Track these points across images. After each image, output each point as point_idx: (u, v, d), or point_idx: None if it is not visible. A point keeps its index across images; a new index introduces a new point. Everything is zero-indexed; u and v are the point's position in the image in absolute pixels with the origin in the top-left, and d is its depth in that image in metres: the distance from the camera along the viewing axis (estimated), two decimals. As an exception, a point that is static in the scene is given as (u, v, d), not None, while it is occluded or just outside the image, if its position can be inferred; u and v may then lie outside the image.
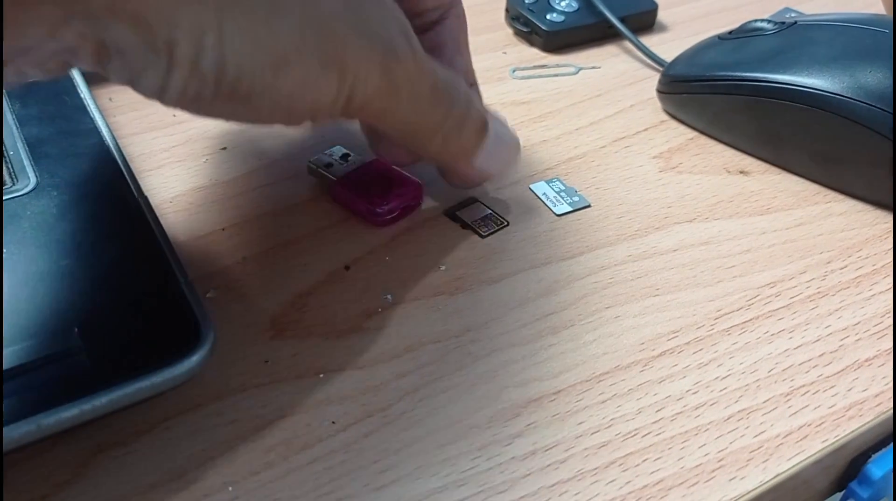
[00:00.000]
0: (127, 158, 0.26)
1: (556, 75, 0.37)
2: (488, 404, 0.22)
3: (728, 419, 0.22)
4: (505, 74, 0.37)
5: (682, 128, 0.34)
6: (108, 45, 0.16)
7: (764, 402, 0.22)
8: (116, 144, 0.27)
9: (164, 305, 0.21)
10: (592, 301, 0.25)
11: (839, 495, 0.24)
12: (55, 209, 0.24)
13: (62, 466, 0.20)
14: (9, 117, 0.27)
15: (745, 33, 0.33)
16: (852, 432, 0.22)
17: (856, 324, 0.25)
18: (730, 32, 0.34)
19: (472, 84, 0.28)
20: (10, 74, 0.16)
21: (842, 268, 0.27)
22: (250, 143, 0.31)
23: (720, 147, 0.33)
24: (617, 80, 0.37)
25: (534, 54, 0.39)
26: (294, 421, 0.21)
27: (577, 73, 0.38)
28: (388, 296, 0.25)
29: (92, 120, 0.28)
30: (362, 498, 0.20)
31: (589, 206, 0.29)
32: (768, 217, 0.29)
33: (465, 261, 0.27)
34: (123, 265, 0.22)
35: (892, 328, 0.25)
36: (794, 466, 0.21)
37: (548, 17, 0.39)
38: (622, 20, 0.39)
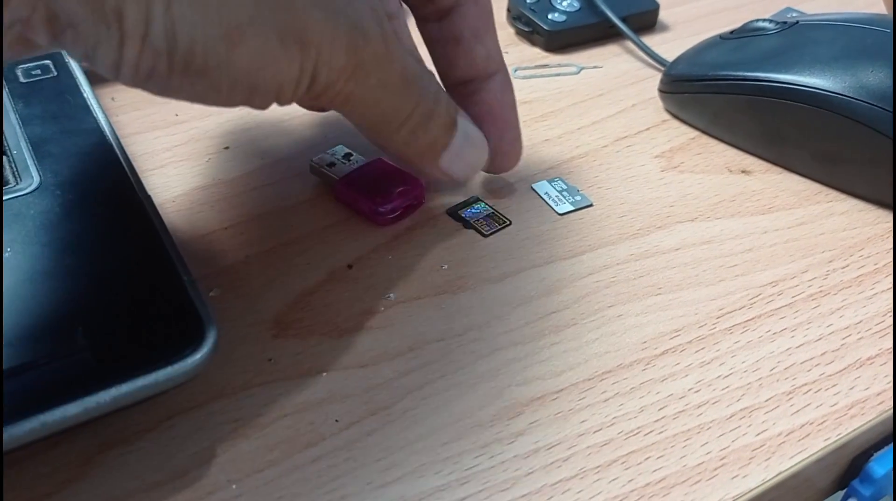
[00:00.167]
0: (130, 158, 0.26)
1: (558, 75, 0.37)
2: (491, 402, 0.22)
3: (730, 417, 0.22)
4: (507, 73, 0.37)
5: (684, 127, 0.34)
6: (59, 15, 0.16)
7: (766, 400, 0.23)
8: (119, 144, 0.27)
9: (167, 303, 0.21)
10: (595, 300, 0.25)
11: (841, 493, 0.24)
12: (58, 208, 0.24)
13: (66, 464, 0.20)
14: (12, 117, 0.27)
15: (746, 33, 0.33)
16: (854, 430, 0.22)
17: (858, 323, 0.25)
18: (731, 32, 0.34)
19: (499, 71, 0.27)
20: None
21: (843, 267, 0.27)
22: (253, 142, 0.31)
23: (722, 147, 0.33)
24: (618, 79, 0.37)
25: (535, 54, 0.39)
26: (297, 419, 0.22)
27: (578, 72, 0.38)
28: (391, 295, 0.25)
29: (95, 119, 0.28)
30: (365, 496, 0.20)
31: (591, 205, 0.29)
32: (770, 216, 0.29)
33: (467, 260, 0.27)
34: (127, 264, 0.22)
35: (893, 326, 0.25)
36: (796, 464, 0.21)
37: (549, 16, 0.39)
38: (624, 20, 0.39)
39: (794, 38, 0.31)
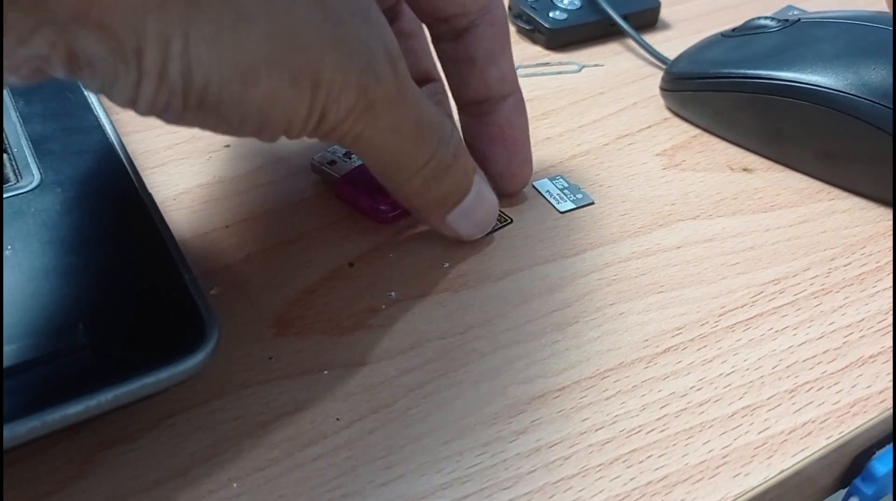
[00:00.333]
0: (131, 156, 0.26)
1: (559, 73, 0.37)
2: (493, 400, 0.22)
3: (732, 415, 0.22)
4: (508, 71, 0.37)
5: (686, 125, 0.34)
6: (78, 54, 0.16)
7: (768, 399, 0.22)
8: (120, 141, 0.27)
9: (168, 302, 0.21)
10: (596, 298, 0.25)
11: (843, 491, 0.24)
12: (59, 206, 0.24)
13: (66, 462, 0.20)
14: (12, 114, 0.27)
15: (748, 31, 0.33)
16: (856, 428, 0.22)
17: (860, 321, 0.25)
18: (733, 30, 0.34)
19: (513, 93, 0.26)
20: None
21: (845, 265, 0.27)
22: (253, 141, 0.31)
23: (723, 145, 0.33)
24: (620, 77, 0.37)
25: (537, 52, 0.39)
26: (298, 418, 0.21)
27: (579, 70, 0.38)
28: (392, 293, 0.25)
29: (95, 117, 0.28)
30: (367, 494, 0.20)
31: (592, 203, 0.29)
32: (772, 214, 0.29)
33: (468, 258, 0.27)
34: (128, 262, 0.22)
35: (895, 324, 0.25)
36: (798, 462, 0.21)
37: (550, 14, 0.39)
38: (625, 18, 0.39)
39: (795, 35, 0.31)
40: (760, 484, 0.20)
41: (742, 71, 0.31)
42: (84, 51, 0.16)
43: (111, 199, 0.24)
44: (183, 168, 0.30)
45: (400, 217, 0.28)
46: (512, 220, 0.28)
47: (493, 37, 0.25)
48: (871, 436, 0.23)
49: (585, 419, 0.22)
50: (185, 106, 0.17)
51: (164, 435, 0.21)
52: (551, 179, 0.30)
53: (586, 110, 0.34)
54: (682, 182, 0.30)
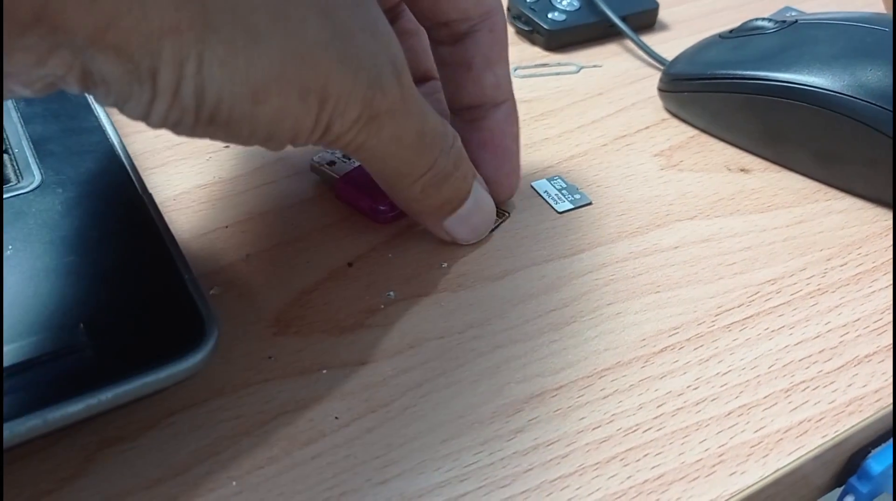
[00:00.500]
0: (131, 156, 0.26)
1: (558, 74, 0.37)
2: (491, 399, 0.22)
3: (728, 414, 0.22)
4: (506, 72, 0.37)
5: (683, 126, 0.34)
6: (94, 74, 0.16)
7: (764, 397, 0.23)
8: (120, 142, 0.27)
9: (168, 301, 0.21)
10: (594, 298, 0.25)
11: (839, 490, 0.24)
12: (60, 206, 0.24)
13: (67, 461, 0.20)
14: (13, 115, 0.27)
15: (745, 32, 0.33)
16: (852, 427, 0.22)
17: (856, 320, 0.25)
18: (731, 31, 0.34)
19: (506, 101, 0.26)
20: None
21: (842, 265, 0.27)
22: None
23: (721, 145, 0.33)
24: (618, 78, 0.37)
25: (535, 53, 0.39)
26: (297, 416, 0.22)
27: (578, 71, 0.38)
28: (391, 293, 0.25)
29: (96, 118, 0.28)
30: (365, 493, 0.20)
31: (590, 203, 0.29)
32: (769, 215, 0.29)
33: (467, 258, 0.27)
34: (128, 262, 0.22)
35: (891, 324, 0.25)
36: (794, 461, 0.21)
37: (549, 16, 0.39)
38: (623, 19, 0.39)
39: (793, 37, 0.31)
40: (756, 483, 0.21)
41: (740, 72, 0.31)
42: (99, 71, 0.16)
43: (111, 199, 0.24)
44: (183, 168, 0.30)
45: (399, 217, 0.28)
46: (509, 213, 0.28)
47: (492, 43, 0.25)
48: (867, 435, 0.23)
49: (582, 418, 0.22)
50: (196, 122, 0.18)
51: (164, 434, 0.21)
52: (549, 180, 0.30)
53: (584, 111, 0.35)
54: (679, 183, 0.31)
